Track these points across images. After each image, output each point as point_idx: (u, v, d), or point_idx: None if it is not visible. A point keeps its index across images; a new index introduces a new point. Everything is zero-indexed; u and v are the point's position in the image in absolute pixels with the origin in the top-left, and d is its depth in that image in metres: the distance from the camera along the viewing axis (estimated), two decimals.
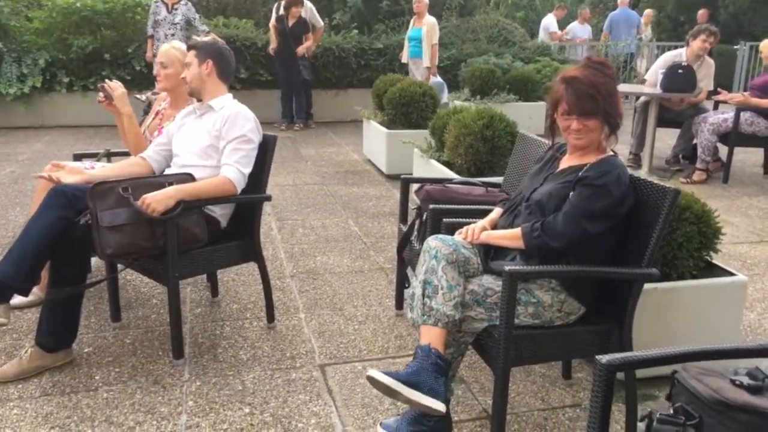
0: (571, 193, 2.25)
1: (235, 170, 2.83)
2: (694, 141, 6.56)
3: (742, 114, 5.92)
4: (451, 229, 2.62)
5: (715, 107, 6.65)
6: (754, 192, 5.87)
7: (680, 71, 6.13)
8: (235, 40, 9.00)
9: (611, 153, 2.33)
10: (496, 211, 2.58)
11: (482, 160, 4.39)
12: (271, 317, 3.24)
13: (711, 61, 6.65)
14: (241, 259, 3.09)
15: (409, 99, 6.17)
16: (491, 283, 2.25)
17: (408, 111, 6.21)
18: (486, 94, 8.06)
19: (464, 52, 10.04)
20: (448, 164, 4.68)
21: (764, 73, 6.21)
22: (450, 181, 3.18)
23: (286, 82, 8.79)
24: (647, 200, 2.26)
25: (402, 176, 3.30)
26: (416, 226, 3.11)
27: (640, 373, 2.32)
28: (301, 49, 8.54)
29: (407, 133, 6.02)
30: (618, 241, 2.30)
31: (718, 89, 6.37)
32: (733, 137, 5.95)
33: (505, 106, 7.80)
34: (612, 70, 2.35)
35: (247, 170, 2.88)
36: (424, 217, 2.99)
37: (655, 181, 2.28)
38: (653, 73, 6.75)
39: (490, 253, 2.37)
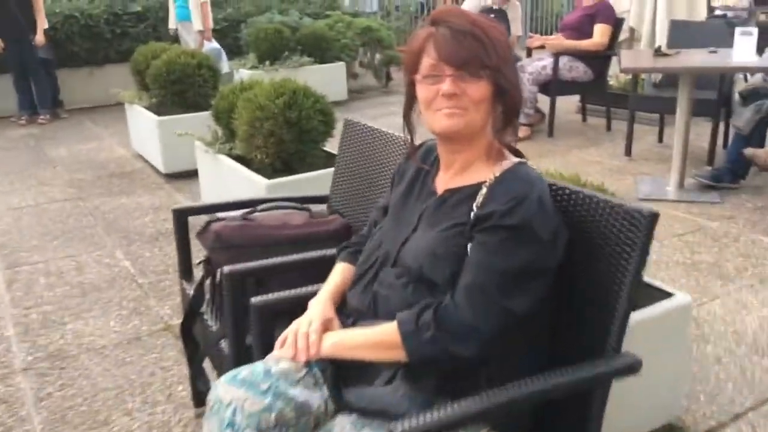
0: (470, 246, 1.23)
1: None
2: None
3: (560, 59, 5.38)
4: (266, 315, 1.48)
5: (528, 54, 6.10)
6: (581, 143, 5.41)
7: (492, 16, 5.43)
8: None
9: (516, 159, 1.33)
10: (341, 271, 1.49)
11: (289, 152, 3.25)
12: None
13: (517, 3, 6.07)
14: None
15: (181, 74, 4.77)
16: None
17: (182, 89, 4.82)
18: (276, 58, 6.85)
19: (242, 11, 8.64)
20: (243, 160, 3.48)
21: (576, 9, 5.73)
22: (253, 207, 2.00)
23: (18, 63, 6.81)
24: (594, 232, 1.31)
25: (174, 208, 2.06)
26: (207, 291, 1.92)
27: None
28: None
29: (184, 119, 4.65)
30: (556, 311, 1.33)
31: (530, 33, 5.80)
32: (554, 86, 5.41)
33: (300, 71, 6.67)
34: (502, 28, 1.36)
35: None
36: (218, 277, 1.81)
37: (600, 195, 1.33)
38: None
39: (345, 371, 1.28)
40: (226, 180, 3.62)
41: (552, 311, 1.31)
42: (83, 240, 3.80)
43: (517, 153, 1.36)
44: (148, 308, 2.99)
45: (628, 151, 4.90)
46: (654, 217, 1.23)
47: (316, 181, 3.07)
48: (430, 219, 1.32)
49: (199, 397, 2.06)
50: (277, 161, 3.29)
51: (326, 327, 1.31)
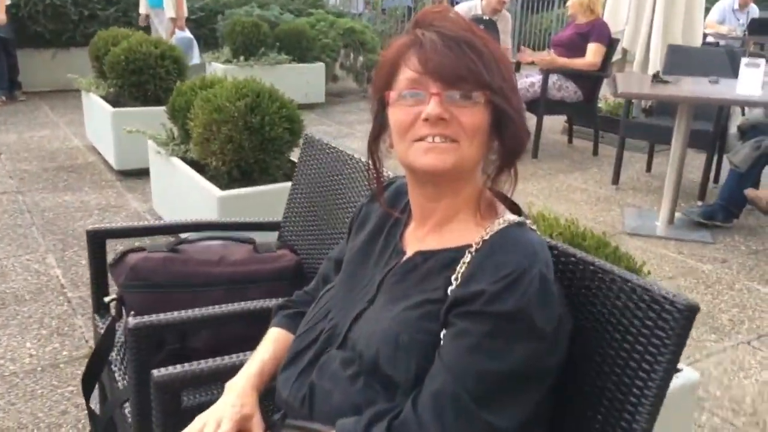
0: (443, 333, 0.91)
1: None
2: None
3: (550, 77, 5.10)
4: (172, 391, 1.14)
5: (517, 69, 5.82)
6: (566, 167, 5.13)
7: (481, 27, 5.10)
8: None
9: (512, 217, 0.99)
10: (273, 341, 1.15)
11: (249, 160, 2.90)
12: None
13: (508, 15, 5.79)
14: None
15: (142, 64, 4.37)
16: None
17: (141, 81, 4.42)
18: (252, 54, 6.48)
19: (220, 2, 8.23)
20: (199, 165, 3.12)
21: (568, 26, 5.46)
22: (182, 239, 1.65)
23: None
24: (606, 318, 0.99)
25: (88, 228, 1.69)
26: (119, 335, 1.57)
27: None
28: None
29: (141, 113, 4.27)
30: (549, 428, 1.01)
31: (520, 47, 5.53)
32: (542, 104, 5.12)
33: (276, 69, 6.32)
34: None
35: None
36: (130, 324, 1.46)
37: (619, 272, 1.02)
38: None
39: None
40: (178, 185, 3.25)
41: (549, 424, 0.99)
42: (14, 240, 3.39)
43: (513, 208, 1.03)
44: (72, 328, 2.61)
45: (615, 180, 4.64)
46: (692, 312, 0.92)
47: (276, 194, 2.72)
48: (393, 290, 0.99)
49: None
50: (234, 170, 2.94)
51: (242, 428, 0.97)
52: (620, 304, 0.98)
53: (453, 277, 0.92)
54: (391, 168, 1.19)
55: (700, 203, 4.24)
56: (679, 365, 1.66)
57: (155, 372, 1.13)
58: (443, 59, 0.90)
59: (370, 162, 1.07)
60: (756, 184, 3.84)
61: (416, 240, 1.03)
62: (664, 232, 3.80)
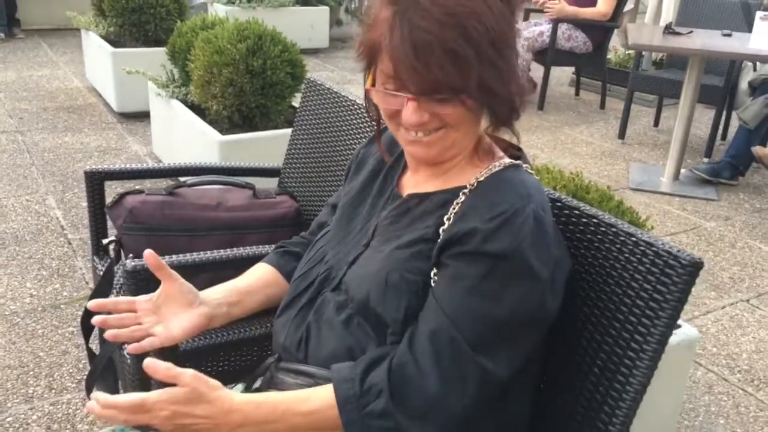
0: (434, 274, 0.89)
1: None
2: None
3: (559, 27, 4.98)
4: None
5: (525, 17, 5.68)
6: (572, 120, 5.06)
7: None
8: None
9: (506, 160, 0.97)
10: (258, 273, 1.15)
11: (250, 105, 2.85)
12: None
13: None
14: None
15: (141, 2, 4.25)
16: None
17: (141, 20, 4.32)
18: None
19: None
20: (199, 108, 3.07)
21: None
22: (181, 181, 1.63)
23: None
24: (607, 271, 0.98)
25: (86, 169, 1.67)
26: (118, 277, 1.56)
27: None
28: None
29: (142, 54, 4.19)
30: (546, 374, 1.01)
31: None
32: (550, 54, 5.01)
33: (280, 12, 6.17)
34: None
35: None
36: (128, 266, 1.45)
37: (623, 226, 1.00)
38: None
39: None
40: (178, 128, 3.21)
41: (541, 377, 0.99)
42: (13, 181, 3.38)
43: (514, 152, 1.01)
44: (73, 270, 2.62)
45: (621, 134, 4.57)
46: (695, 267, 0.90)
47: (278, 140, 2.68)
48: (386, 231, 0.98)
49: None
50: (235, 114, 2.89)
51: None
52: (623, 258, 0.97)
53: (446, 217, 0.91)
54: None
55: (706, 160, 4.20)
56: (678, 321, 1.66)
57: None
58: (412, 70, 0.84)
59: (366, 108, 1.04)
60: (765, 142, 3.78)
61: (413, 184, 1.01)
62: (668, 188, 3.77)
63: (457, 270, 0.88)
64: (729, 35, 3.75)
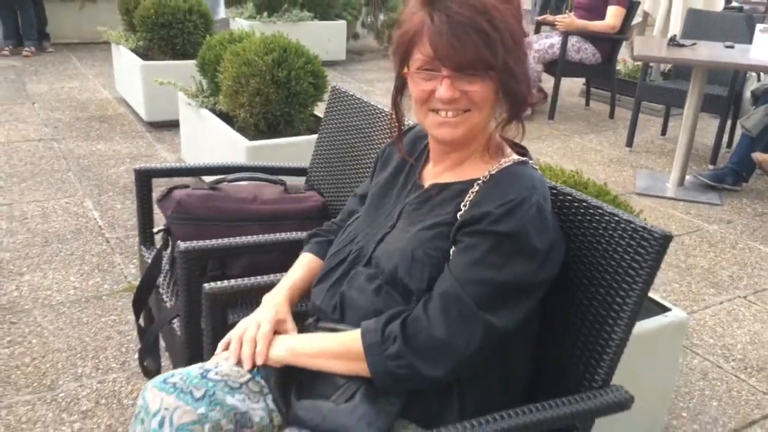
0: (452, 250, 1.07)
1: None
2: None
3: (569, 39, 5.16)
4: (220, 303, 1.32)
5: (537, 30, 5.88)
6: (582, 129, 5.23)
7: None
8: None
9: (517, 157, 1.16)
10: (305, 264, 1.33)
11: (275, 113, 3.06)
12: None
13: None
14: None
15: (170, 18, 4.51)
16: None
17: (170, 34, 4.57)
18: (275, 10, 6.56)
19: None
20: (227, 117, 3.28)
21: None
22: (222, 176, 1.82)
23: None
24: (595, 248, 1.15)
25: (136, 168, 1.87)
26: (165, 262, 1.76)
27: None
28: None
29: (170, 66, 4.43)
30: (542, 334, 1.19)
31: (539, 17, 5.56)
32: (560, 66, 5.19)
33: (299, 26, 6.41)
34: None
35: None
36: (176, 250, 1.64)
37: (607, 207, 1.17)
38: None
39: (297, 380, 1.13)
40: (207, 136, 3.42)
41: (538, 334, 1.16)
42: (53, 185, 3.60)
43: (520, 150, 1.19)
44: (112, 265, 2.82)
45: (629, 142, 4.73)
46: (666, 240, 1.08)
47: (302, 146, 2.90)
48: (411, 216, 1.16)
49: (149, 374, 1.91)
50: (261, 122, 3.10)
51: (277, 330, 1.16)
52: (607, 234, 1.15)
53: (462, 204, 1.09)
54: (413, 117, 1.34)
55: (711, 167, 4.34)
56: (670, 306, 1.83)
57: (206, 285, 1.31)
58: (450, 48, 1.03)
59: (393, 113, 1.23)
60: (767, 149, 3.93)
61: (433, 176, 1.19)
62: (673, 194, 3.92)
63: (468, 244, 1.06)
64: (731, 47, 3.91)
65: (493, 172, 1.11)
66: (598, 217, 1.17)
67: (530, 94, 1.13)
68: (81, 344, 2.30)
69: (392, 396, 1.04)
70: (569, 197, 1.23)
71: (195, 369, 1.08)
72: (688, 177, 4.04)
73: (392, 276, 1.09)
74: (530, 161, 1.16)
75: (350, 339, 1.07)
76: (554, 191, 1.24)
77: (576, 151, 4.68)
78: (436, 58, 1.05)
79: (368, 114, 1.84)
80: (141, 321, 1.84)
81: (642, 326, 1.75)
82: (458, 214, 1.09)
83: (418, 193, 1.19)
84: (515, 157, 1.14)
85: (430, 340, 1.02)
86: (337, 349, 1.08)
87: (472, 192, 1.09)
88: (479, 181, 1.10)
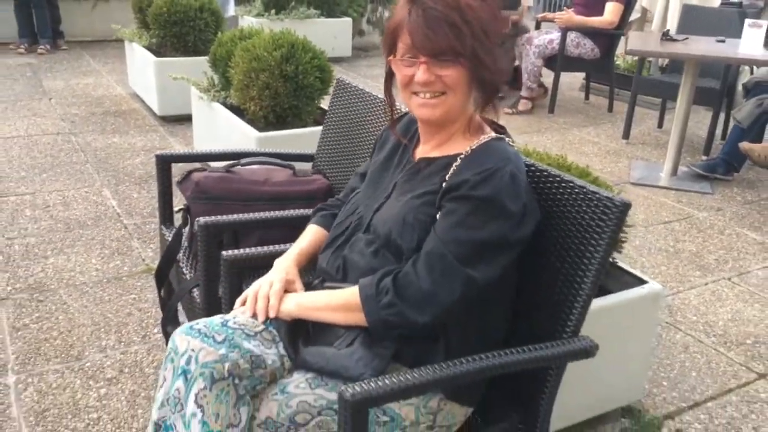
0: (438, 215, 1.23)
1: None
2: (516, 63, 5.92)
3: (568, 35, 5.31)
4: (236, 269, 1.49)
5: (537, 26, 6.02)
6: (581, 122, 5.38)
7: None
8: None
9: (494, 134, 1.33)
10: (312, 234, 1.50)
11: (283, 106, 3.23)
12: None
13: None
14: None
15: (182, 16, 4.69)
16: (305, 392, 1.19)
17: (182, 32, 4.75)
18: (282, 8, 6.73)
19: None
20: (238, 110, 3.45)
21: None
22: (237, 160, 2.00)
23: None
24: (567, 216, 1.31)
25: (157, 153, 2.05)
26: (184, 239, 1.93)
27: None
28: None
29: (182, 62, 4.61)
30: (519, 289, 1.35)
31: (539, 15, 5.70)
32: (559, 61, 5.34)
33: (305, 23, 6.58)
34: None
35: None
36: (195, 227, 1.82)
37: (577, 181, 1.34)
38: None
39: (304, 330, 1.30)
40: (219, 128, 3.60)
41: (516, 290, 1.33)
42: (72, 175, 3.79)
43: (498, 128, 1.35)
44: (130, 249, 3.00)
45: (626, 134, 4.88)
46: (625, 207, 1.24)
47: (308, 137, 3.06)
48: (403, 186, 1.33)
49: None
50: (270, 114, 3.27)
51: (287, 289, 1.33)
52: (576, 204, 1.31)
53: (447, 176, 1.25)
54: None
55: (705, 157, 4.48)
56: (647, 280, 1.99)
57: (224, 253, 1.48)
58: (426, 37, 1.20)
59: (387, 99, 1.40)
60: (758, 140, 4.07)
61: (422, 153, 1.36)
62: (666, 183, 4.07)
63: (450, 209, 1.22)
64: (723, 41, 4.05)
65: (474, 147, 1.27)
66: (569, 190, 1.33)
67: (501, 82, 1.29)
68: (104, 320, 2.47)
69: (386, 341, 1.21)
70: (545, 173, 1.39)
71: (216, 318, 1.25)
72: (681, 167, 4.18)
73: (387, 239, 1.26)
74: (507, 139, 1.32)
75: (349, 293, 1.24)
76: (532, 168, 1.40)
77: (574, 143, 4.83)
78: (413, 47, 1.22)
79: (369, 103, 2.01)
80: (162, 293, 2.02)
81: (622, 296, 1.92)
82: (443, 184, 1.25)
83: (409, 166, 1.35)
84: (493, 134, 1.31)
85: (418, 291, 1.18)
86: (339, 302, 1.25)
87: (455, 165, 1.26)
88: (461, 155, 1.27)
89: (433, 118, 1.28)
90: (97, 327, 2.43)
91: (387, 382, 1.08)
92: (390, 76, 1.35)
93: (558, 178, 1.36)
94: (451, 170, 1.26)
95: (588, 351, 1.27)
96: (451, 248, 1.19)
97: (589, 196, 1.29)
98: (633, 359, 2.01)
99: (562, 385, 1.58)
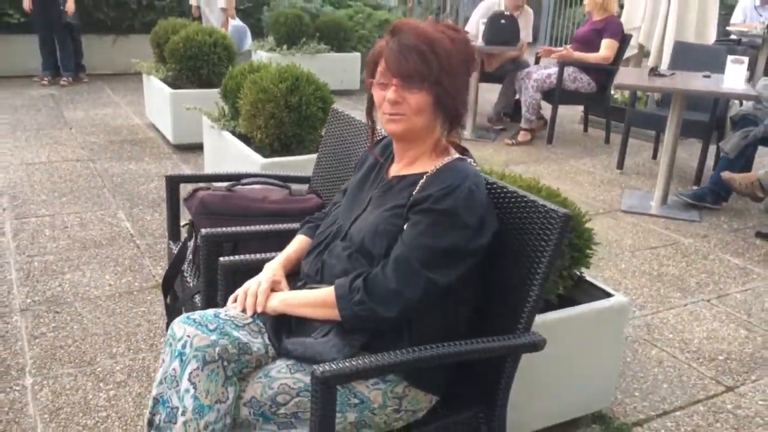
0: (406, 225, 1.42)
1: None
2: (516, 97, 6.15)
3: (565, 69, 5.53)
4: (232, 274, 1.69)
5: (537, 62, 6.26)
6: (578, 153, 5.57)
7: (503, 21, 5.59)
8: None
9: (457, 155, 1.52)
10: (298, 242, 1.69)
11: (288, 134, 3.45)
12: None
13: (530, 11, 6.22)
14: None
15: (197, 51, 4.97)
16: (286, 376, 1.37)
17: (196, 66, 5.03)
18: (294, 43, 7.04)
19: None
20: (245, 138, 3.68)
21: (586, 23, 5.87)
22: (237, 181, 2.21)
23: (45, 26, 7.05)
24: (520, 226, 1.49)
25: (167, 174, 2.27)
26: (189, 252, 2.13)
27: None
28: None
29: (196, 94, 4.87)
30: (479, 290, 1.53)
31: (540, 47, 5.94)
32: (557, 94, 5.56)
33: (316, 57, 6.87)
34: (464, 36, 1.50)
35: None
36: (199, 240, 2.01)
37: (530, 196, 1.52)
38: (474, 24, 6.18)
39: (287, 324, 1.49)
40: (227, 155, 3.82)
41: (476, 291, 1.50)
42: (89, 199, 4.02)
43: (463, 151, 1.54)
44: (142, 267, 3.20)
45: (620, 164, 5.06)
46: (566, 218, 1.42)
47: (310, 163, 3.24)
48: (377, 201, 1.52)
49: None
50: (275, 142, 3.49)
51: (274, 288, 1.52)
52: (528, 217, 1.49)
53: (413, 191, 1.44)
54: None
55: (695, 187, 4.64)
56: (613, 293, 2.16)
57: (222, 259, 1.67)
58: (398, 61, 1.40)
59: (368, 123, 1.60)
60: (745, 170, 4.22)
61: (394, 171, 1.55)
62: (656, 211, 4.23)
63: (416, 220, 1.41)
64: (708, 76, 4.25)
65: (439, 167, 1.46)
66: (523, 204, 1.51)
67: (464, 112, 1.48)
68: (115, 330, 2.66)
69: (357, 333, 1.39)
70: (505, 189, 1.58)
71: (210, 311, 1.44)
72: (671, 196, 4.35)
73: (360, 245, 1.45)
74: (469, 159, 1.51)
75: (326, 292, 1.42)
76: (492, 185, 1.59)
77: (570, 173, 5.01)
78: (388, 70, 1.42)
79: (360, 130, 2.21)
80: (168, 301, 2.21)
81: (589, 307, 2.08)
82: (410, 198, 1.44)
83: (383, 183, 1.55)
84: (457, 155, 1.50)
85: (385, 290, 1.37)
86: (317, 299, 1.43)
87: (422, 182, 1.45)
88: (427, 174, 1.46)
89: (397, 132, 1.47)
90: (108, 336, 2.62)
91: (353, 363, 1.26)
92: (372, 103, 1.55)
93: (514, 194, 1.55)
94: (418, 186, 1.45)
95: (536, 345, 1.44)
96: (414, 254, 1.37)
97: (538, 208, 1.47)
98: (601, 367, 2.16)
99: (534, 390, 1.77)
